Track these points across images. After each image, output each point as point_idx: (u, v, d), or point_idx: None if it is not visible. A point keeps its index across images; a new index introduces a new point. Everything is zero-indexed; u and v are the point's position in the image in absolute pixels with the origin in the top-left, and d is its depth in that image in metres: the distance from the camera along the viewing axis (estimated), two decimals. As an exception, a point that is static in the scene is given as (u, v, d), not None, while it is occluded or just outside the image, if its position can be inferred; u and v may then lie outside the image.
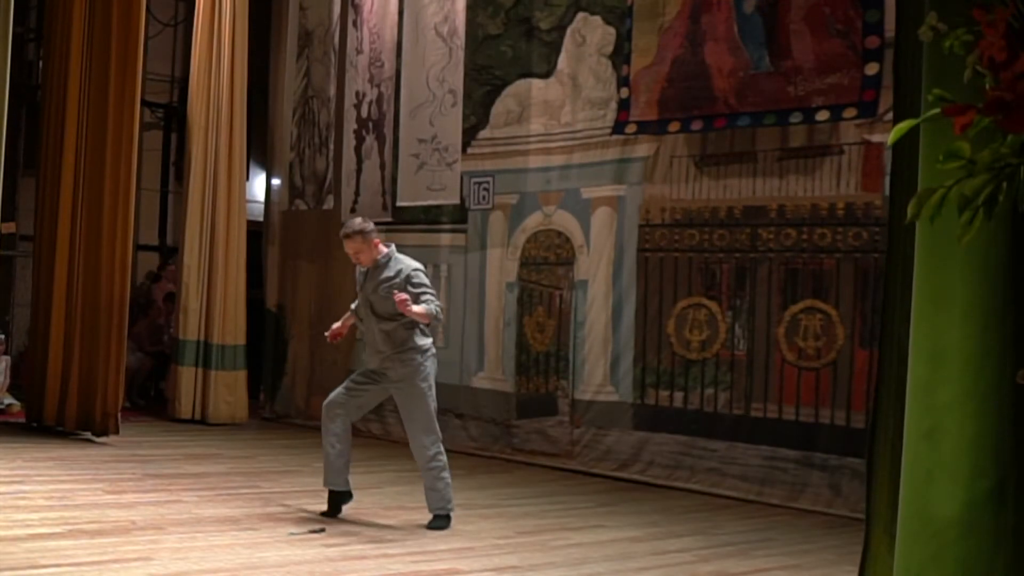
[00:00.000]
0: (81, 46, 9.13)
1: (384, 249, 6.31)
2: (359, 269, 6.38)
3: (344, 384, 6.42)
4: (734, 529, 6.67)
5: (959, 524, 2.80)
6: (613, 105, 8.72)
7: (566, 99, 9.06)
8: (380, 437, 9.80)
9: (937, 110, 1.87)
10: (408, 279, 6.17)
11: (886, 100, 7.12)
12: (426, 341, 6.28)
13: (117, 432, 8.84)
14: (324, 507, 6.36)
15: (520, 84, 9.38)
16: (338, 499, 6.33)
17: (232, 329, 10.54)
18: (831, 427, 7.44)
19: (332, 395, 6.39)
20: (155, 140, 13.16)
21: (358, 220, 6.39)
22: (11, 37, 4.86)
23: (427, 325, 6.23)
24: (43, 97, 9.69)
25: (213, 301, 10.47)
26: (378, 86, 10.49)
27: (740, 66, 7.97)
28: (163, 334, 11.88)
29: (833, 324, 7.49)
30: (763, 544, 6.25)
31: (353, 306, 6.56)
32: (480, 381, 9.55)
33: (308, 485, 7.27)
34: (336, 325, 6.56)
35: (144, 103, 11.05)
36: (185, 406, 10.40)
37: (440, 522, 6.16)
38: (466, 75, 9.64)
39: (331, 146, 11.10)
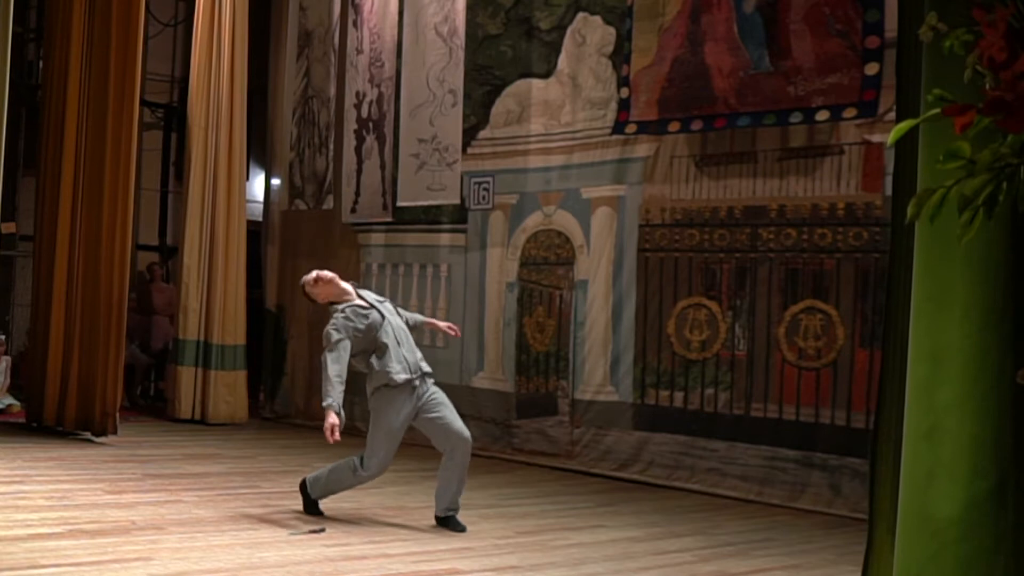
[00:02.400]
0: (81, 46, 9.14)
1: (344, 284, 6.32)
2: (349, 319, 6.06)
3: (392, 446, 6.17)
4: (734, 529, 6.67)
5: (959, 524, 2.80)
6: (613, 105, 8.72)
7: (566, 99, 9.06)
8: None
9: (937, 110, 1.87)
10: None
11: (886, 100, 7.13)
12: None
13: (115, 432, 8.84)
14: (323, 506, 6.38)
15: (520, 84, 9.39)
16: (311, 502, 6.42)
17: (232, 329, 10.54)
18: (831, 427, 7.44)
19: (387, 460, 6.17)
20: (155, 140, 13.17)
21: (313, 274, 6.31)
22: (11, 37, 4.85)
23: None
24: (43, 97, 9.69)
25: (213, 301, 10.47)
26: (378, 86, 10.49)
27: (740, 66, 7.97)
28: (139, 338, 11.73)
29: (833, 324, 7.49)
30: (763, 544, 6.25)
31: (338, 395, 5.95)
32: (480, 381, 9.56)
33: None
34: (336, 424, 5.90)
35: (144, 103, 11.06)
36: (185, 406, 10.40)
37: (460, 522, 6.19)
38: (466, 75, 9.64)
39: (331, 146, 11.10)
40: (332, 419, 5.81)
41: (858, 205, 7.46)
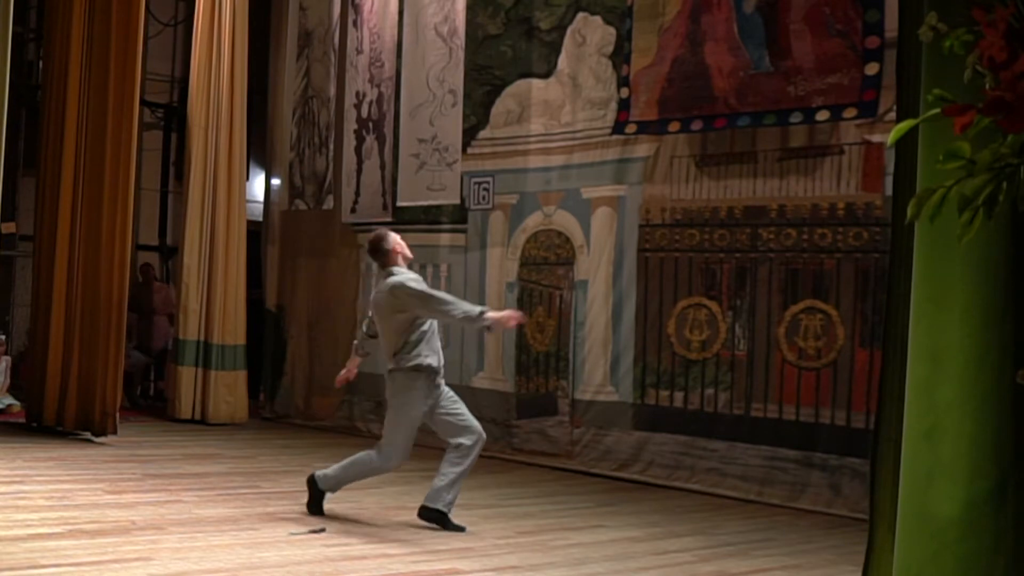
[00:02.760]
0: (81, 46, 9.13)
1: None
2: (419, 283, 6.19)
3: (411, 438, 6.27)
4: (734, 529, 6.67)
5: (959, 524, 2.80)
6: (613, 105, 8.72)
7: (566, 99, 9.06)
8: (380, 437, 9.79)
9: (937, 110, 1.87)
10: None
11: (886, 100, 7.13)
12: None
13: (115, 432, 8.84)
14: (324, 507, 6.39)
15: (520, 84, 9.38)
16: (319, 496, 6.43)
17: (232, 329, 10.54)
18: (831, 427, 7.44)
19: (407, 450, 6.27)
20: (155, 140, 13.16)
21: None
22: (11, 37, 4.85)
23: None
24: (43, 97, 9.69)
25: (213, 301, 10.47)
26: (378, 86, 10.49)
27: (740, 66, 7.96)
28: (135, 339, 11.69)
29: (833, 324, 7.49)
30: (763, 544, 6.25)
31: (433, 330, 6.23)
32: (480, 381, 9.55)
33: (308, 485, 7.28)
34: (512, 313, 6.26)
35: (144, 103, 11.06)
36: (185, 406, 10.40)
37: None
38: (466, 75, 9.64)
39: (331, 146, 11.10)
40: (504, 313, 6.10)
41: (858, 205, 7.45)
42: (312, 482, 6.38)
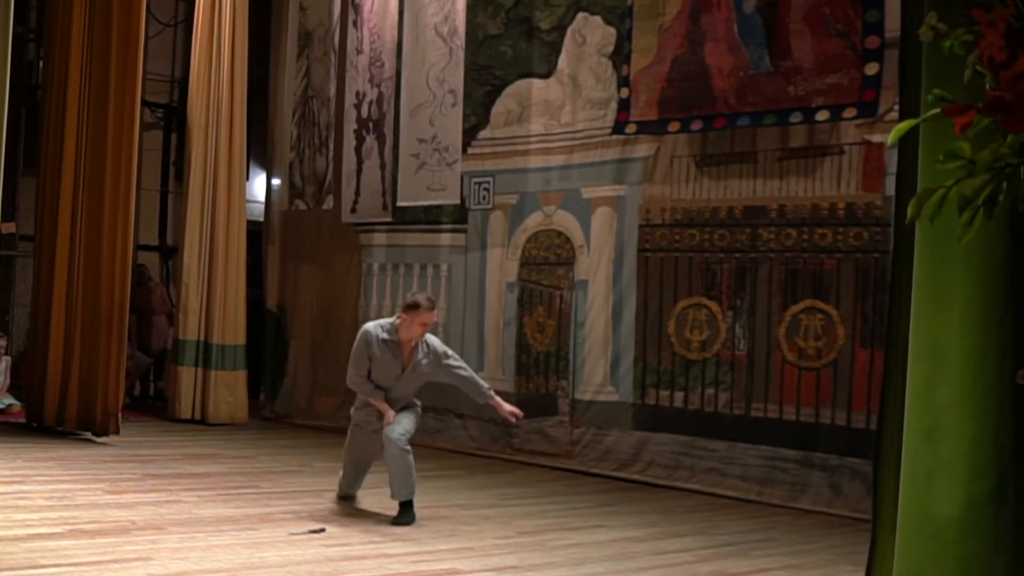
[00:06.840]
0: (81, 46, 9.14)
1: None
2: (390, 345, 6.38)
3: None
4: (734, 529, 6.67)
5: (959, 524, 2.80)
6: (613, 105, 8.72)
7: (566, 99, 9.06)
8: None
9: (937, 110, 1.87)
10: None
11: (886, 100, 7.13)
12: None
13: (117, 432, 8.84)
14: (323, 506, 6.38)
15: (520, 84, 9.38)
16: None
17: (232, 329, 10.54)
18: (831, 427, 7.44)
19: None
20: (155, 140, 13.16)
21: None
22: (11, 37, 4.85)
23: None
24: (43, 97, 9.69)
25: (213, 301, 10.46)
26: (378, 86, 10.49)
27: (740, 66, 7.96)
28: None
29: (833, 324, 7.49)
30: (763, 544, 6.25)
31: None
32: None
33: (308, 485, 7.28)
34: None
35: (144, 103, 11.04)
36: (185, 406, 10.40)
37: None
38: (466, 75, 9.64)
39: (331, 146, 11.10)
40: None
41: (858, 205, 7.45)
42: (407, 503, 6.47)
